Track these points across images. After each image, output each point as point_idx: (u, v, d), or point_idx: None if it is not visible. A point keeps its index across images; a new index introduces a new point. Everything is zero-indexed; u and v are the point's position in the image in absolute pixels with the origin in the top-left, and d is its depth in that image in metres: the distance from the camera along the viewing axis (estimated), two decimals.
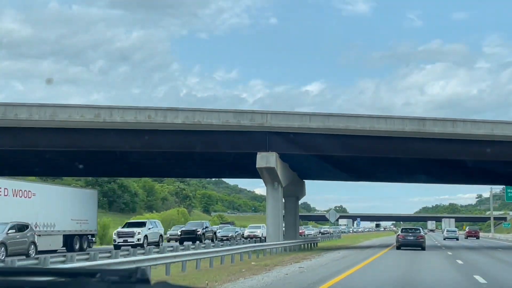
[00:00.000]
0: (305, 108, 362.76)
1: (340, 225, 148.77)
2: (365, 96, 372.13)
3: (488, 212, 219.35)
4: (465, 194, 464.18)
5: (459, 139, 39.96)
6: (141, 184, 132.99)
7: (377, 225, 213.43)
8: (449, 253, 39.61)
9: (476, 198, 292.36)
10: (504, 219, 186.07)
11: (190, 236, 49.87)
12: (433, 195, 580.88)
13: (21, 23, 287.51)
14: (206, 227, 53.83)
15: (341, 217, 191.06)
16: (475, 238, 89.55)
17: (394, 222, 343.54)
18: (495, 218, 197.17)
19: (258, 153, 38.83)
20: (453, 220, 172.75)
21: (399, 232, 46.92)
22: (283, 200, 43.35)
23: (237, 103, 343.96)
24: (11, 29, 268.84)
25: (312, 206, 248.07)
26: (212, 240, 46.87)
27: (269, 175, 39.32)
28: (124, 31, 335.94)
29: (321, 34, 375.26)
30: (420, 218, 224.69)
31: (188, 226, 54.98)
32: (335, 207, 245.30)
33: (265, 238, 46.13)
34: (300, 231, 77.70)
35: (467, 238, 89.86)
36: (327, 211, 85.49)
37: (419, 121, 39.99)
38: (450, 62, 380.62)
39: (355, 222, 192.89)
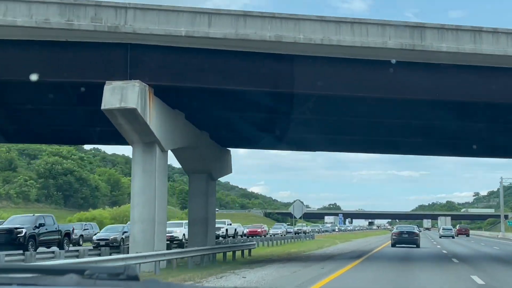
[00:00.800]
0: None
1: (326, 223, 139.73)
2: None
3: (486, 210, 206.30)
4: (461, 193, 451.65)
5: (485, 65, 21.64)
6: (105, 178, 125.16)
7: (370, 223, 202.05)
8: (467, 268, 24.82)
9: (474, 196, 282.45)
10: (506, 216, 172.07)
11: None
12: (429, 194, 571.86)
13: None
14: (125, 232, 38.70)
15: (327, 214, 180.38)
16: (465, 236, 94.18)
17: (390, 220, 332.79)
18: (493, 216, 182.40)
19: (106, 83, 20.25)
20: (449, 218, 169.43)
21: (394, 230, 48.27)
22: (167, 178, 28.50)
23: None
24: None
25: (304, 204, 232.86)
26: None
27: (129, 126, 20.96)
28: None
29: None
30: (416, 216, 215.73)
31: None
32: (329, 205, 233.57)
33: (186, 240, 35.57)
34: (258, 229, 68.53)
35: (457, 235, 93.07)
36: (290, 205, 73.97)
37: (415, 30, 21.33)
38: None
39: (346, 220, 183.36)
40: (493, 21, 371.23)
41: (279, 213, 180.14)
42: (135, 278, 2.59)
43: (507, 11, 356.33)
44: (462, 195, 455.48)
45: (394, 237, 45.30)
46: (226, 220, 60.93)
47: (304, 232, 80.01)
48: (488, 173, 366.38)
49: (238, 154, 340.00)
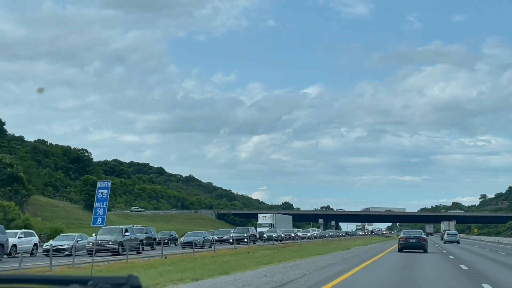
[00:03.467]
0: (303, 110, 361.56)
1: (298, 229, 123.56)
2: (364, 99, 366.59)
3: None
4: (464, 197, 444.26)
5: None
6: None
7: (360, 229, 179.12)
8: None
9: (480, 199, 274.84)
10: None
11: None
12: (431, 198, 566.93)
13: (14, 23, 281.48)
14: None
15: (320, 216, 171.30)
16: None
17: (390, 224, 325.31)
18: (506, 219, 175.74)
19: None
20: (453, 222, 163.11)
21: (401, 235, 48.08)
22: None
23: (234, 106, 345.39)
24: (4, 29, 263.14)
25: (295, 207, 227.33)
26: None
27: None
28: (119, 32, 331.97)
29: (320, 36, 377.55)
30: (420, 218, 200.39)
31: None
32: (321, 207, 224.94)
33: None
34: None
35: (442, 239, 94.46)
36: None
37: None
38: (449, 64, 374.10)
39: (330, 223, 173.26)
40: (497, 25, 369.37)
41: (240, 214, 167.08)
42: None
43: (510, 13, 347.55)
44: (465, 200, 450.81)
45: (402, 242, 45.95)
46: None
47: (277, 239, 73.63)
48: (490, 178, 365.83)
49: (239, 159, 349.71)
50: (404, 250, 44.80)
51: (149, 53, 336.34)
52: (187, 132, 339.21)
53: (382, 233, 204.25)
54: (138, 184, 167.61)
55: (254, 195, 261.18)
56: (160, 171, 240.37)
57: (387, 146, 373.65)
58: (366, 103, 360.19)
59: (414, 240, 45.55)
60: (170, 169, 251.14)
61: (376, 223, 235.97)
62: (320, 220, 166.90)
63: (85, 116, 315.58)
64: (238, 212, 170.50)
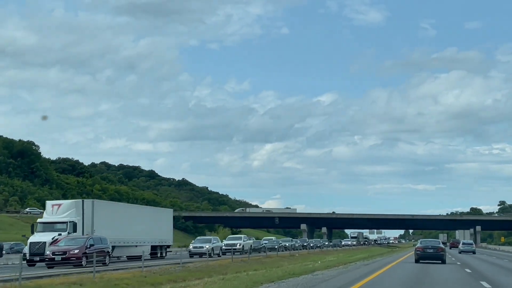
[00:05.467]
0: (316, 118, 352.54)
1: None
2: (377, 106, 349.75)
3: None
4: (479, 206, 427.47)
5: None
6: None
7: (355, 237, 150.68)
8: None
9: (499, 205, 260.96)
10: None
11: None
12: (445, 207, 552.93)
13: (26, 30, 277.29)
14: None
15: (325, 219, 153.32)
16: (457, 247, 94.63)
17: (402, 232, 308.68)
18: None
19: None
20: (468, 232, 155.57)
21: (418, 245, 47.55)
22: None
23: (247, 114, 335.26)
24: (15, 37, 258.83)
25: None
26: None
27: None
28: (131, 39, 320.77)
29: (333, 44, 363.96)
30: (441, 223, 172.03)
31: None
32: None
33: None
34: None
35: (450, 248, 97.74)
36: None
37: None
38: (464, 70, 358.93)
39: (321, 230, 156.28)
40: (510, 30, 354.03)
41: (195, 217, 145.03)
42: None
43: None
44: (480, 208, 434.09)
45: (418, 252, 45.63)
46: None
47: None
48: (505, 186, 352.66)
49: (252, 167, 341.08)
50: (421, 261, 44.49)
51: (161, 61, 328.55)
52: (200, 140, 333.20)
53: (388, 243, 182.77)
54: (99, 185, 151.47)
55: (267, 204, 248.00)
56: (151, 174, 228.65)
57: (401, 154, 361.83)
58: (380, 111, 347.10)
59: (431, 250, 44.94)
60: (180, 176, 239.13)
61: (387, 231, 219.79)
62: (303, 226, 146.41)
63: (98, 125, 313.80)
64: (194, 215, 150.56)
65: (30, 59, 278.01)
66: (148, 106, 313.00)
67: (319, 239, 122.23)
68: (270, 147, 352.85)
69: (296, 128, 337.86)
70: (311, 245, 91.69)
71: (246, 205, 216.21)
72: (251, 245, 67.84)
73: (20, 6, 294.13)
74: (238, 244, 65.13)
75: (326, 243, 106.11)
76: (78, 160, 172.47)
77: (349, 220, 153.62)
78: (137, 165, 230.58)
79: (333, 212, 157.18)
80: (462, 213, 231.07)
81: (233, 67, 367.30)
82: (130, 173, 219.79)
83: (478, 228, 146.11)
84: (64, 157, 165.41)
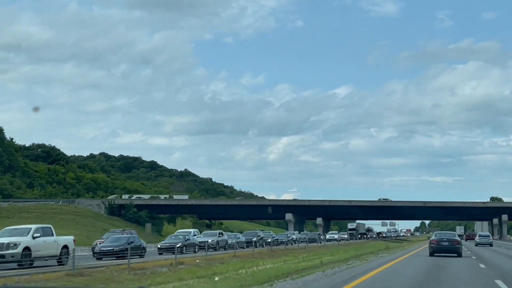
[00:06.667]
0: (332, 111, 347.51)
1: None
2: (394, 98, 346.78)
3: None
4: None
5: None
6: None
7: (354, 229, 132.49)
8: None
9: None
10: None
11: None
12: (464, 199, 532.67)
13: (40, 26, 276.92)
14: None
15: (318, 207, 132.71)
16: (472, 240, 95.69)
17: (418, 224, 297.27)
18: None
19: None
20: (486, 223, 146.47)
21: (433, 237, 46.50)
22: None
23: (262, 107, 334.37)
24: (29, 32, 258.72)
25: None
26: None
27: None
28: (145, 33, 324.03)
29: (348, 36, 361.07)
30: (460, 212, 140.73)
31: None
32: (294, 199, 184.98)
33: None
34: None
35: (466, 241, 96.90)
36: None
37: None
38: (482, 61, 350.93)
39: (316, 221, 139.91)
40: None
41: (153, 206, 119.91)
42: None
43: None
44: (501, 198, 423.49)
45: (433, 245, 44.91)
46: None
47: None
48: None
49: (268, 161, 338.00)
50: (435, 254, 43.70)
51: (175, 55, 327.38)
52: (215, 134, 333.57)
53: (397, 237, 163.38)
54: (73, 173, 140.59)
55: (284, 197, 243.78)
56: (152, 165, 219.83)
57: (417, 147, 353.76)
58: (396, 103, 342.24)
59: (447, 243, 44.41)
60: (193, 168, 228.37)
61: (401, 222, 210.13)
62: (288, 216, 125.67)
63: (114, 119, 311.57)
64: (151, 203, 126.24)
65: (45, 55, 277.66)
66: (163, 101, 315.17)
67: (306, 232, 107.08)
68: (286, 140, 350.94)
69: (312, 121, 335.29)
70: (268, 240, 70.48)
71: (252, 197, 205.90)
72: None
73: (34, 1, 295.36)
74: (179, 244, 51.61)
75: (294, 237, 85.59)
76: (54, 146, 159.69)
77: (349, 208, 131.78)
78: (138, 156, 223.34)
79: (330, 200, 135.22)
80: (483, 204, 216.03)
81: (248, 61, 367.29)
82: (129, 164, 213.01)
83: (505, 217, 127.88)
84: (39, 143, 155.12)
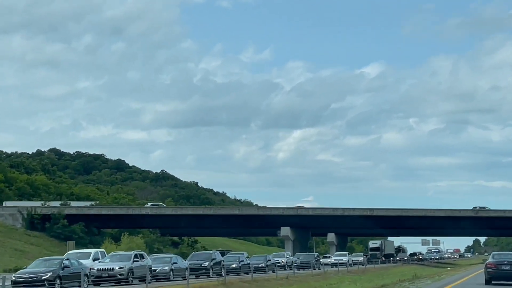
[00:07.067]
0: (359, 96, 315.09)
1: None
2: (439, 79, 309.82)
3: None
4: None
5: None
6: None
7: (376, 250, 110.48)
8: None
9: None
10: None
11: None
12: None
13: None
14: None
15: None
16: None
17: (470, 244, 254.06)
18: None
19: None
20: None
21: (490, 260, 41.32)
22: None
23: (269, 91, 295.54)
24: None
25: None
26: None
27: None
28: None
29: None
30: None
31: None
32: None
33: None
34: None
35: None
36: None
37: None
38: None
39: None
40: None
41: (92, 217, 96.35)
42: None
43: None
44: None
45: (490, 269, 39.48)
46: None
47: None
48: None
49: (276, 161, 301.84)
50: (493, 282, 38.88)
51: (156, 23, 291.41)
52: (208, 126, 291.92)
53: (439, 258, 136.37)
54: (1, 173, 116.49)
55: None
56: (119, 165, 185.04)
57: (470, 142, 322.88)
58: (442, 85, 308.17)
59: (508, 267, 38.68)
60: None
61: (447, 239, 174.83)
62: (285, 230, 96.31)
63: (76, 107, 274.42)
64: (89, 213, 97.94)
65: None
66: (140, 83, 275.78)
67: (300, 254, 79.87)
68: (299, 134, 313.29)
69: (333, 109, 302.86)
70: (233, 266, 56.53)
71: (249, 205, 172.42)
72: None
73: None
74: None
75: (281, 260, 68.28)
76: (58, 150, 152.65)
77: (370, 220, 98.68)
78: (100, 153, 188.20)
79: (344, 209, 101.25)
80: None
81: (251, 31, 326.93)
82: (88, 164, 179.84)
83: None
84: None
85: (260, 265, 58.66)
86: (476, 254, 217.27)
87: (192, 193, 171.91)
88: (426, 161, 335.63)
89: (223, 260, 53.45)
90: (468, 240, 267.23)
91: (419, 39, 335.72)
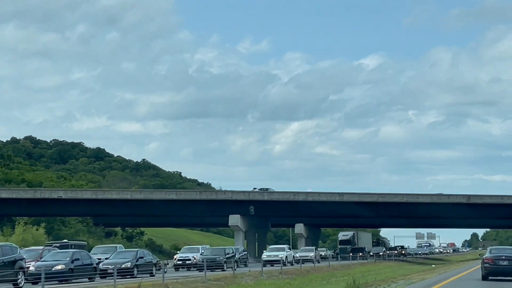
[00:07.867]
0: (358, 88, 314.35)
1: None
2: (439, 71, 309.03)
3: None
4: None
5: None
6: None
7: (346, 243, 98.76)
8: None
9: None
10: None
11: None
12: None
13: None
14: None
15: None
16: None
17: (467, 239, 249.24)
18: None
19: None
20: None
21: (487, 255, 40.08)
22: None
23: (266, 82, 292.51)
24: None
25: None
26: None
27: None
28: None
29: None
30: None
31: None
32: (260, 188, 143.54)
33: None
34: None
35: None
36: None
37: None
38: None
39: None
40: None
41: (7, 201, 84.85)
42: None
43: None
44: None
45: (488, 265, 38.63)
46: None
47: None
48: None
49: (273, 153, 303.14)
50: (490, 278, 38.01)
51: (151, 13, 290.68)
52: (204, 117, 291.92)
53: (428, 253, 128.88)
54: None
55: None
56: (97, 154, 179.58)
57: (470, 135, 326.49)
58: (442, 77, 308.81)
59: (506, 263, 38.12)
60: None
61: (443, 231, 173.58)
62: (234, 219, 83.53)
63: (70, 98, 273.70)
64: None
65: None
66: (134, 74, 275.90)
67: (237, 248, 67.22)
68: (296, 127, 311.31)
69: (332, 101, 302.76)
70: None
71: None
72: None
73: None
74: None
75: (194, 257, 56.64)
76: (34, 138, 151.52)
77: (342, 207, 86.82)
78: (78, 141, 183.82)
79: (313, 193, 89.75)
80: None
81: (248, 21, 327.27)
82: (65, 152, 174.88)
83: None
84: None
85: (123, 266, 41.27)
86: (471, 248, 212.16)
87: (174, 183, 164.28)
88: (425, 154, 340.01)
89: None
90: (466, 234, 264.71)
91: (419, 30, 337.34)
